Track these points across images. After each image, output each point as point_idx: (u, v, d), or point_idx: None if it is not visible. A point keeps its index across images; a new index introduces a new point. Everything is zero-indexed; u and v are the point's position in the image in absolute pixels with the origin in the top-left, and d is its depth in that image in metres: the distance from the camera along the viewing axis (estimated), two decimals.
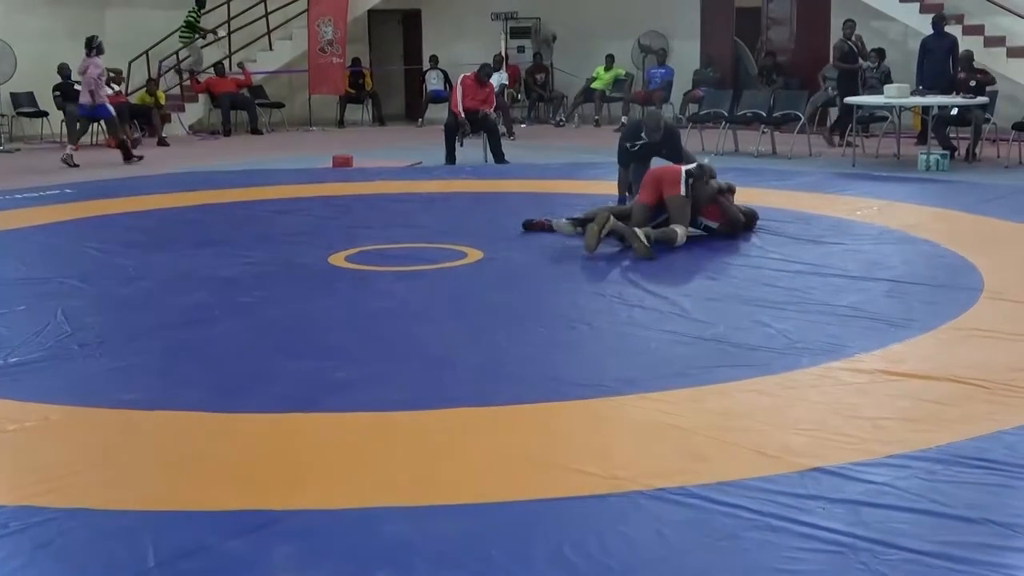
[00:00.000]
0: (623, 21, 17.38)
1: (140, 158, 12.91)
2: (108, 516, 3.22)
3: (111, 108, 12.96)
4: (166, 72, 16.64)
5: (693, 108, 14.83)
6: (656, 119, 8.50)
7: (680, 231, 7.10)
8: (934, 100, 11.51)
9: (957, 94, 11.53)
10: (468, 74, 12.42)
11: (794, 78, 15.50)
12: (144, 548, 2.98)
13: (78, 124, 13.32)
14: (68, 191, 10.15)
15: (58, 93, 14.83)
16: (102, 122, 14.81)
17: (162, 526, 3.13)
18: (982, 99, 11.42)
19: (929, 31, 12.86)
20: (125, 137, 13.21)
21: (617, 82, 17.12)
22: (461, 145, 12.34)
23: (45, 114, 15.51)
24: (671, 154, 8.27)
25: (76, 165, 12.27)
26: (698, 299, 5.81)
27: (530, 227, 7.73)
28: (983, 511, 3.14)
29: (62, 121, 14.75)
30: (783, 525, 3.07)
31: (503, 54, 16.75)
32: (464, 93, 12.15)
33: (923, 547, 2.92)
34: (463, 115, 12.04)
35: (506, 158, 12.12)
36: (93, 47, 12.84)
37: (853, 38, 13.54)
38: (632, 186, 8.35)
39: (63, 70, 14.80)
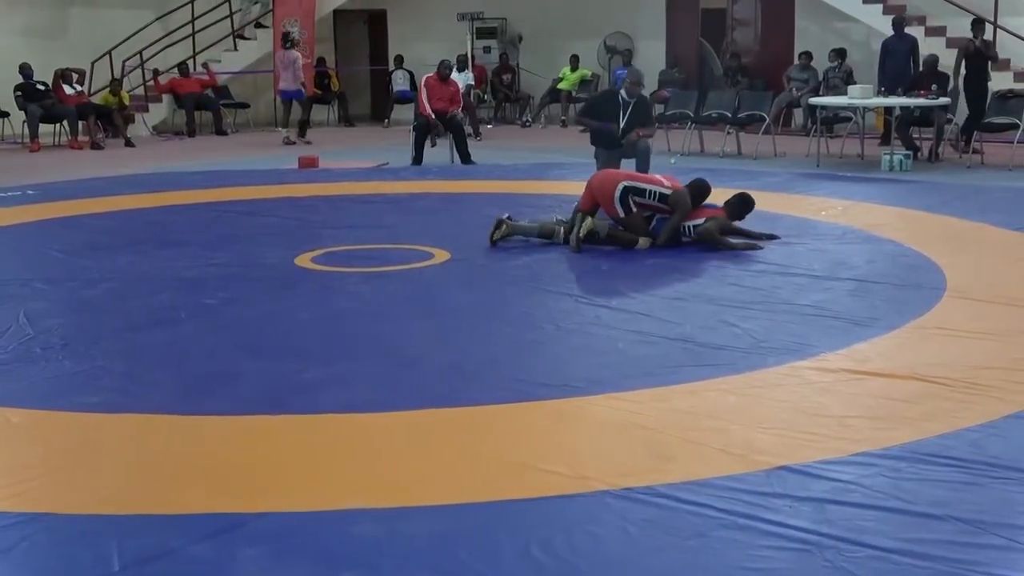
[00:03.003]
0: (589, 22, 17.43)
1: (309, 143, 14.53)
2: (72, 520, 3.19)
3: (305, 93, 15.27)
4: (130, 72, 16.51)
5: (659, 108, 14.88)
6: (639, 75, 8.85)
7: (642, 240, 7.10)
8: (897, 101, 11.60)
9: (918, 94, 11.61)
10: (430, 75, 12.43)
11: (759, 79, 15.60)
12: (108, 552, 2.95)
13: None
14: (30, 192, 10.05)
15: (19, 93, 14.64)
16: (64, 123, 14.73)
17: (127, 530, 3.10)
18: (944, 100, 11.53)
19: (892, 32, 12.97)
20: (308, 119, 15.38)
21: (583, 83, 17.17)
22: (434, 145, 12.32)
23: (6, 114, 15.33)
24: (643, 118, 8.78)
25: (294, 142, 14.57)
26: (664, 299, 5.83)
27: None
28: (948, 508, 3.17)
29: (24, 121, 14.59)
30: (750, 524, 3.08)
31: (469, 54, 16.74)
32: (429, 94, 12.12)
33: (888, 544, 2.94)
34: (433, 116, 12.01)
35: (472, 159, 12.12)
36: (290, 40, 14.95)
37: (979, 40, 12.36)
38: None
39: (25, 70, 14.63)
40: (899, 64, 12.54)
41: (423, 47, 17.73)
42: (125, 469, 3.64)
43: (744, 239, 7.16)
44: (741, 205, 7.28)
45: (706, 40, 17.15)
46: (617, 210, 7.11)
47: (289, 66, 14.77)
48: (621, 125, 8.67)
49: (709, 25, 17.16)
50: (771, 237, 7.26)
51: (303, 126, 15.12)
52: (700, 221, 7.14)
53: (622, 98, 8.70)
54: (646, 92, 9.42)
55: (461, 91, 13.13)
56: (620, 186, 7.11)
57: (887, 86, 12.09)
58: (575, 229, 7.03)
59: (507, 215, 7.39)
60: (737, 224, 7.27)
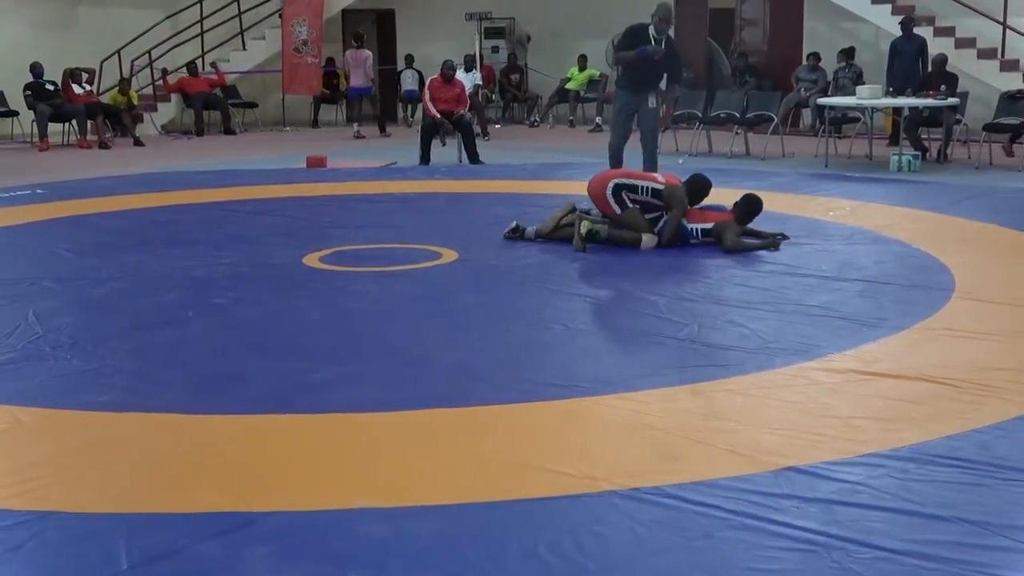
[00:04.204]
0: (597, 21, 17.41)
1: (389, 135, 15.74)
2: (80, 519, 3.19)
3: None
4: (138, 72, 16.55)
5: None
6: (668, 10, 8.79)
7: (645, 238, 7.08)
8: (906, 101, 11.58)
9: (927, 94, 11.59)
10: (434, 76, 12.50)
11: (767, 79, 15.59)
12: (117, 551, 2.96)
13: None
14: (39, 191, 10.08)
15: (29, 92, 14.67)
16: (73, 123, 14.77)
17: (135, 528, 3.11)
18: (953, 100, 11.51)
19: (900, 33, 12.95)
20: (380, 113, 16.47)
21: (591, 83, 17.17)
22: (444, 145, 12.34)
23: (15, 113, 15.37)
24: (672, 55, 8.88)
25: (363, 136, 15.61)
26: (672, 299, 5.83)
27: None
28: (956, 510, 3.16)
29: (33, 121, 14.63)
30: (757, 524, 3.08)
31: (477, 54, 16.75)
32: (433, 96, 12.16)
33: (896, 546, 2.94)
34: (439, 116, 12.04)
35: (480, 158, 12.13)
36: (360, 39, 16.28)
37: None
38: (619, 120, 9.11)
39: (35, 69, 14.66)
40: (908, 64, 12.52)
41: (431, 47, 17.75)
42: (133, 468, 3.64)
43: (758, 240, 7.14)
44: (747, 207, 7.22)
45: (714, 40, 17.12)
46: (612, 207, 7.09)
47: (361, 64, 15.94)
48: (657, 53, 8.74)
49: (717, 25, 17.14)
50: (782, 237, 7.23)
51: (382, 122, 15.98)
52: (709, 226, 7.12)
53: (652, 35, 8.73)
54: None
55: (468, 91, 13.15)
56: (611, 183, 7.12)
57: (896, 86, 12.08)
58: (576, 229, 7.01)
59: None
60: (747, 227, 7.24)
